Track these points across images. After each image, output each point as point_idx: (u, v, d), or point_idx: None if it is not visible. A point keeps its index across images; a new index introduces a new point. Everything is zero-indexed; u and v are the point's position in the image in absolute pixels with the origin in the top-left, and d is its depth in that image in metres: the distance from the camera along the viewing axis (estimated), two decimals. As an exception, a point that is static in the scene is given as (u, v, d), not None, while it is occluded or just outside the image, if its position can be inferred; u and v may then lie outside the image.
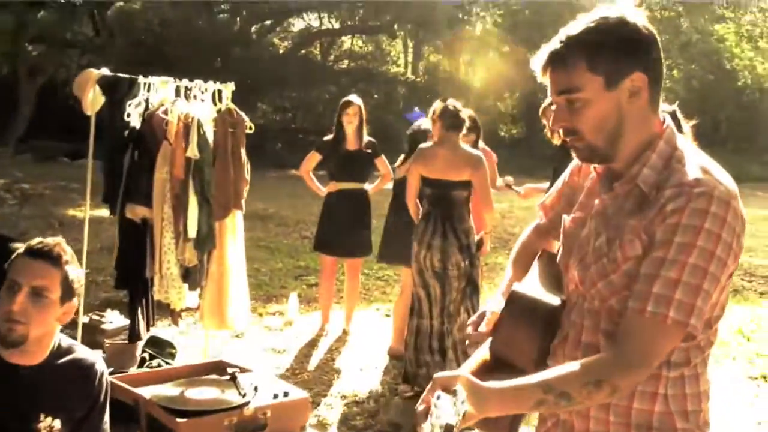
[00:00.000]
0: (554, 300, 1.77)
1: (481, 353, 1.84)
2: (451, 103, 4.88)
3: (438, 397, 1.53)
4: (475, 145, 6.21)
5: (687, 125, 1.91)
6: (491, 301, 1.92)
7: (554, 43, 1.63)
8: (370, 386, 5.10)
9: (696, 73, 22.38)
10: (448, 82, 23.26)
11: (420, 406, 1.58)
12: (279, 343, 5.87)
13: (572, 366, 1.56)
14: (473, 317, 1.96)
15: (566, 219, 1.81)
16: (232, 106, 4.76)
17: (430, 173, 4.79)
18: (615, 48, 1.58)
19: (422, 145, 4.96)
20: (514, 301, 1.81)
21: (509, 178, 5.90)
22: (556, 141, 6.10)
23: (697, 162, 1.59)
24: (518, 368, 1.68)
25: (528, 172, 17.98)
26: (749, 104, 22.33)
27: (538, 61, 1.65)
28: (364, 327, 6.35)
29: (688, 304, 1.51)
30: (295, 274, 8.07)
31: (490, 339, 1.82)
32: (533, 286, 1.85)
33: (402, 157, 5.76)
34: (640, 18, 1.63)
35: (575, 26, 1.62)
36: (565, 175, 1.92)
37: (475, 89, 23.96)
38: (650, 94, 1.62)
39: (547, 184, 6.14)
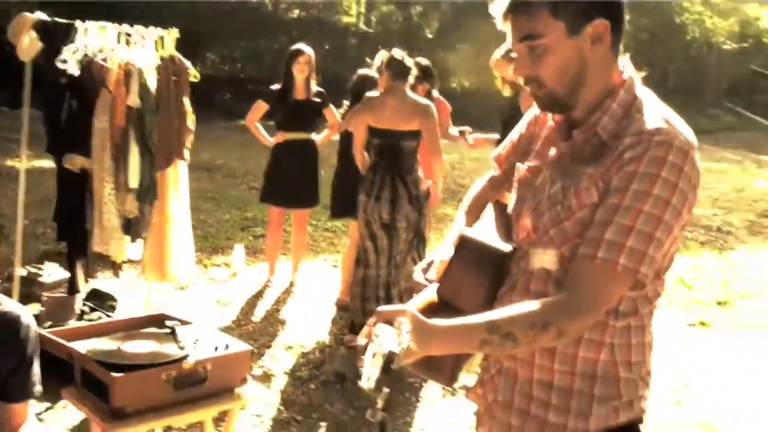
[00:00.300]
0: (504, 246, 1.76)
1: (428, 294, 1.82)
2: (398, 51, 4.81)
3: (380, 329, 1.52)
4: (429, 95, 6.17)
5: (637, 76, 1.89)
6: (440, 250, 1.90)
7: None
8: (315, 337, 5.09)
9: (646, 27, 22.53)
10: (401, 34, 23.03)
11: (362, 339, 1.56)
12: (224, 294, 5.82)
13: (520, 307, 1.55)
14: (421, 264, 1.94)
15: (521, 168, 1.79)
16: (176, 53, 4.62)
17: (378, 123, 4.71)
18: None
19: (369, 94, 4.88)
20: (464, 245, 1.78)
21: (467, 128, 5.88)
22: (507, 92, 6.08)
23: (657, 111, 1.58)
24: (463, 313, 1.65)
25: (479, 124, 17.94)
26: (697, 58, 22.56)
27: (498, 6, 1.62)
28: (311, 278, 6.33)
29: (640, 251, 1.49)
30: (241, 225, 7.99)
31: (439, 283, 1.80)
32: (483, 233, 1.83)
33: (346, 106, 5.68)
34: None
35: None
36: (521, 126, 1.90)
37: (428, 41, 23.76)
38: (612, 40, 1.60)
39: (496, 136, 6.14)
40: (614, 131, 1.57)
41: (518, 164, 1.80)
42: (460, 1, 23.85)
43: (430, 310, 1.70)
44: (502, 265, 1.73)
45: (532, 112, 1.86)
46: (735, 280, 6.71)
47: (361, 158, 4.88)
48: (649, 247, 1.49)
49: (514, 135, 1.93)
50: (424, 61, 6.20)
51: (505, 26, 1.62)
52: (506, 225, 1.84)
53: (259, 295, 5.87)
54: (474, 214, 1.99)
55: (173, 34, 4.66)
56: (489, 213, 1.93)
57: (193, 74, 4.70)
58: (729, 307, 5.98)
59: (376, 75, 4.98)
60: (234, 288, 6.01)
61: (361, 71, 5.68)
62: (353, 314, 4.88)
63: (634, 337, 1.64)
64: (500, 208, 1.90)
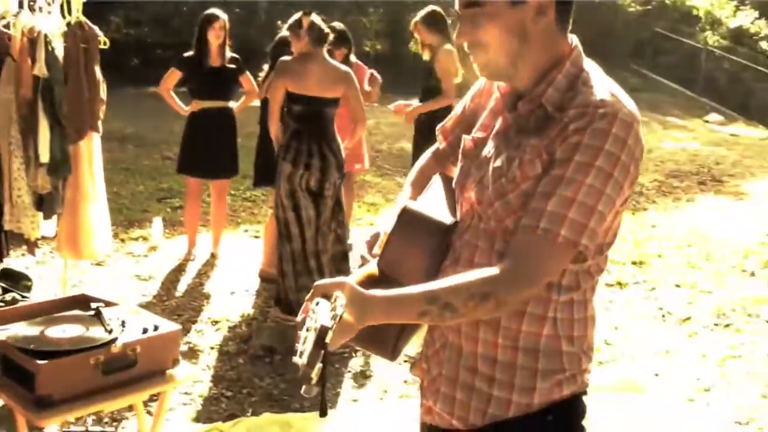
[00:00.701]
0: (447, 218, 1.74)
1: (369, 267, 1.80)
2: (316, 16, 4.70)
3: (317, 303, 1.49)
4: (347, 59, 6.10)
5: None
6: (384, 221, 1.87)
7: None
8: (241, 310, 5.02)
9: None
10: (312, -4, 22.67)
11: (300, 315, 1.53)
12: (144, 269, 5.67)
13: (459, 278, 1.53)
14: (367, 238, 1.91)
15: (466, 139, 1.77)
16: (83, 18, 4.40)
17: (299, 89, 4.58)
18: None
19: (285, 59, 4.74)
20: (405, 217, 1.76)
21: (374, 74, 5.89)
22: (426, 56, 6.07)
23: (602, 84, 1.57)
24: (404, 286, 1.63)
25: (393, 89, 18.00)
26: (603, 21, 23.06)
27: None
28: (233, 250, 6.22)
29: (581, 223, 1.49)
30: (157, 196, 7.78)
31: (379, 255, 1.78)
32: (426, 205, 1.81)
33: (265, 72, 5.56)
34: None
35: None
36: (465, 98, 1.88)
37: (340, 4, 23.50)
38: (558, 13, 1.58)
39: (416, 101, 6.13)
40: (559, 103, 1.56)
41: (464, 136, 1.79)
42: (372, -37, 23.63)
43: (370, 283, 1.67)
44: (444, 238, 1.72)
45: (478, 83, 1.84)
46: (649, 240, 6.93)
47: (276, 128, 4.73)
48: (590, 219, 1.49)
49: (459, 107, 1.91)
50: (339, 26, 6.13)
51: None
52: (451, 198, 1.82)
53: (180, 269, 5.74)
54: (419, 185, 1.97)
55: (80, -1, 4.44)
56: (435, 185, 1.91)
57: (103, 41, 4.50)
58: (644, 267, 6.17)
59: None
60: (153, 262, 5.86)
61: (283, 34, 5.54)
62: (288, 292, 4.72)
63: (577, 312, 1.64)
64: (446, 180, 1.88)
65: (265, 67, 5.62)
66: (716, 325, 5.00)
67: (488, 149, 1.67)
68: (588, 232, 1.49)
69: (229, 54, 5.81)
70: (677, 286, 5.73)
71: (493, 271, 1.53)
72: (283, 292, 4.73)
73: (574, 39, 1.65)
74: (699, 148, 12.54)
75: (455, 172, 1.80)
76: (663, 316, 5.15)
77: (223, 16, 5.77)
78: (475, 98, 1.84)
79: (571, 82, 1.58)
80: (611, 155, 1.48)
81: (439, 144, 1.97)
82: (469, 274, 1.54)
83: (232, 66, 5.79)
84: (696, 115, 17.47)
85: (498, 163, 1.61)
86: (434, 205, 1.84)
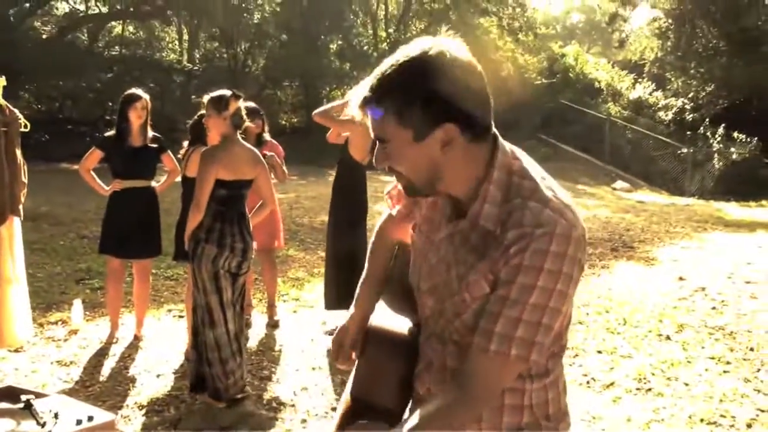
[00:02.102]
0: (409, 324, 1.80)
1: (345, 398, 1.86)
2: (242, 104, 4.71)
3: None
4: (260, 138, 6.18)
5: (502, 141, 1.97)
6: (339, 315, 1.93)
7: (369, 84, 1.59)
8: (169, 393, 4.90)
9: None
10: (226, 71, 22.85)
11: None
12: (65, 354, 5.50)
13: (423, 417, 1.59)
14: (335, 333, 1.96)
15: (412, 232, 1.83)
16: (4, 102, 4.37)
17: (228, 175, 4.58)
18: (425, 100, 1.54)
19: (210, 148, 4.73)
20: (372, 339, 1.82)
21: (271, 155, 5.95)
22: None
23: (534, 190, 1.60)
24: (380, 408, 1.72)
25: (309, 161, 18.19)
26: (512, 93, 23.92)
27: (356, 98, 1.62)
28: (157, 331, 6.10)
29: (529, 341, 1.56)
30: (76, 277, 7.59)
31: (350, 383, 1.82)
32: (387, 315, 1.85)
33: (184, 149, 5.57)
34: (459, 50, 1.60)
35: (391, 64, 1.57)
36: None
37: (254, 78, 23.72)
38: (467, 133, 1.58)
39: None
40: (498, 219, 1.60)
41: (411, 227, 1.86)
42: (285, 38, 24.01)
43: (350, 416, 1.75)
44: (412, 348, 1.78)
45: None
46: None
47: (200, 217, 4.57)
48: (536, 335, 1.56)
49: None
50: (251, 105, 6.24)
51: (363, 117, 1.63)
52: (408, 290, 1.87)
53: (103, 353, 5.58)
54: (379, 255, 2.04)
55: (1, 82, 4.41)
56: (387, 287, 1.96)
57: (24, 123, 4.46)
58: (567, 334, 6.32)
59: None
60: (75, 346, 5.69)
61: (200, 114, 5.57)
62: (215, 380, 4.60)
63: (551, 392, 1.74)
64: (402, 266, 1.93)
65: (185, 143, 5.64)
66: (638, 389, 5.15)
67: (438, 256, 1.72)
68: (536, 347, 1.58)
69: (150, 133, 5.80)
70: (599, 351, 5.88)
71: (451, 400, 1.61)
72: (210, 380, 4.61)
73: (496, 135, 1.66)
74: (609, 215, 13.00)
75: (410, 263, 1.84)
76: (588, 382, 5.27)
77: (145, 95, 5.78)
78: None
79: (504, 191, 1.62)
80: (552, 273, 1.54)
81: (390, 209, 2.02)
82: (428, 411, 1.60)
83: (154, 145, 5.79)
84: (604, 182, 18.14)
85: (450, 277, 1.68)
86: (394, 308, 1.89)
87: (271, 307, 6.50)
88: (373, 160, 1.66)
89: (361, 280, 2.07)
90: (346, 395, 1.84)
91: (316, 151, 18.18)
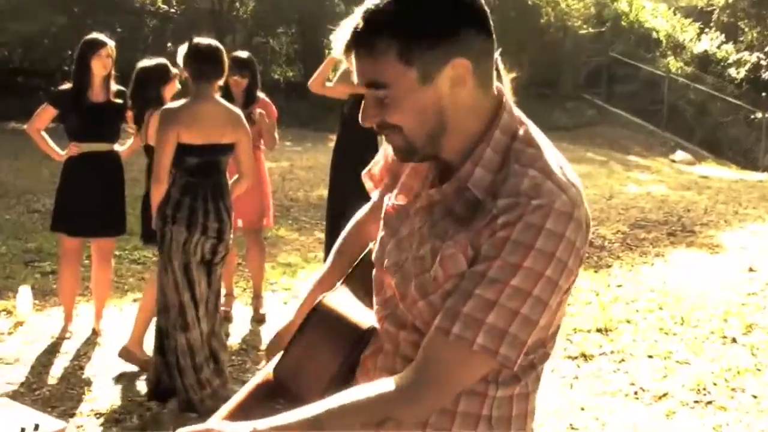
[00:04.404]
0: (367, 320, 1.77)
1: (265, 372, 1.85)
2: (203, 42, 4.60)
3: None
4: (251, 94, 6.16)
5: (507, 78, 1.94)
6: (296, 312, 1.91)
7: (357, 19, 1.56)
8: (131, 398, 4.92)
9: (496, 9, 23.49)
10: (209, 15, 22.76)
11: None
12: (9, 350, 5.53)
13: (352, 398, 1.56)
14: (281, 328, 1.94)
15: (387, 202, 1.82)
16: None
17: (196, 138, 4.51)
18: (433, 31, 1.54)
19: (172, 105, 4.66)
20: (317, 316, 1.79)
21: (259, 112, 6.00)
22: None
23: (538, 159, 1.60)
24: (298, 397, 1.70)
25: (307, 123, 18.17)
26: (552, 45, 23.77)
27: (339, 39, 1.59)
28: (119, 324, 6.10)
29: (501, 330, 1.52)
30: (24, 259, 7.63)
31: (278, 357, 1.80)
32: (346, 299, 1.83)
33: (130, 107, 5.49)
34: None
35: None
36: None
37: (243, 24, 23.65)
38: (478, 76, 1.60)
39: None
40: (490, 186, 1.59)
41: (385, 198, 1.85)
42: (280, -25, 23.87)
43: (263, 396, 1.77)
44: (363, 340, 1.76)
45: None
46: (615, 303, 7.08)
47: (163, 190, 4.55)
48: (511, 324, 1.52)
49: (381, 154, 1.98)
50: (243, 54, 6.21)
51: (347, 61, 1.61)
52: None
53: (54, 350, 5.60)
54: (346, 253, 2.04)
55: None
56: (358, 267, 1.94)
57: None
58: (612, 334, 6.30)
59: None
60: (21, 341, 5.72)
61: (147, 64, 5.49)
62: (188, 391, 4.60)
63: (516, 407, 1.70)
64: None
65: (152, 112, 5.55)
66: (696, 402, 5.13)
67: (410, 227, 1.71)
68: (508, 339, 1.53)
69: (114, 87, 5.77)
70: (650, 356, 5.85)
71: (391, 385, 1.57)
72: (182, 391, 4.60)
73: (504, 93, 1.68)
74: (666, 192, 12.97)
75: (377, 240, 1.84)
76: (635, 392, 5.25)
77: (110, 42, 5.73)
78: None
79: (502, 156, 1.61)
80: (543, 254, 1.52)
81: (370, 192, 2.04)
82: (363, 391, 1.58)
83: (119, 101, 5.75)
84: (661, 154, 18.10)
85: (422, 252, 1.65)
86: (358, 295, 1.87)
87: (257, 299, 6.52)
88: (360, 116, 1.63)
89: (315, 279, 2.09)
90: (267, 370, 1.82)
91: (315, 111, 18.17)
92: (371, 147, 6.32)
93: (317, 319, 1.78)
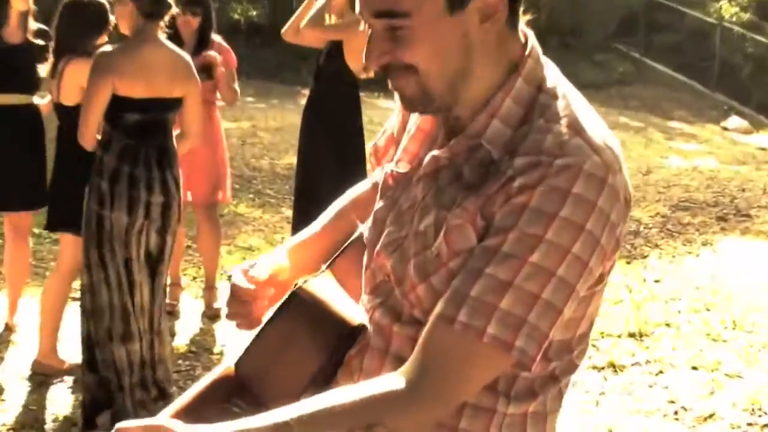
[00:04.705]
0: (360, 317, 1.77)
1: (225, 366, 1.84)
2: None
3: None
4: (204, 37, 6.13)
5: (522, 21, 1.95)
6: (272, 254, 1.94)
7: None
8: (54, 410, 4.92)
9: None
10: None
11: None
12: None
13: (332, 401, 1.54)
14: (241, 265, 1.94)
15: (386, 170, 1.82)
16: None
17: (139, 90, 4.47)
18: None
19: (106, 49, 4.60)
20: (295, 304, 1.79)
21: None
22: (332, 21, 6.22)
23: (568, 114, 1.60)
24: (261, 400, 1.70)
25: (273, 74, 18.11)
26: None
27: None
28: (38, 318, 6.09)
29: (517, 317, 1.50)
30: None
31: (242, 352, 1.80)
32: (332, 288, 1.84)
33: (51, 57, 5.41)
34: None
35: None
36: (398, 107, 1.91)
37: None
38: (512, 12, 1.62)
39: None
40: (508, 144, 1.59)
41: (385, 166, 1.86)
42: None
43: (222, 394, 1.77)
44: (350, 338, 1.76)
45: None
46: (651, 301, 7.10)
47: (93, 145, 4.54)
48: (529, 311, 1.51)
49: (393, 118, 1.96)
50: None
51: None
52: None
53: (-43, 349, 5.60)
54: (338, 225, 2.05)
55: None
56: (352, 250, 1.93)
57: None
58: (647, 340, 6.31)
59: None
60: None
61: None
62: (127, 414, 4.50)
63: (531, 429, 1.69)
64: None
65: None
66: (750, 424, 5.15)
67: (411, 198, 1.71)
68: (526, 329, 1.51)
69: (34, 25, 5.76)
70: (694, 368, 5.87)
71: (382, 386, 1.56)
72: (119, 414, 4.55)
73: (529, 35, 1.68)
74: (717, 167, 12.99)
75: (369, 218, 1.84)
76: (675, 411, 5.27)
77: (29, -35, 5.70)
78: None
79: (525, 109, 1.61)
80: (569, 224, 1.51)
81: (372, 170, 2.04)
82: (346, 391, 1.56)
83: (39, 42, 5.72)
84: (710, 119, 18.13)
85: (423, 225, 1.64)
86: (345, 287, 1.87)
87: (209, 290, 6.52)
88: (365, 55, 1.63)
89: (309, 230, 2.09)
90: (229, 363, 1.82)
91: (283, 60, 18.10)
92: (351, 105, 6.36)
93: (295, 307, 1.76)
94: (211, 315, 6.36)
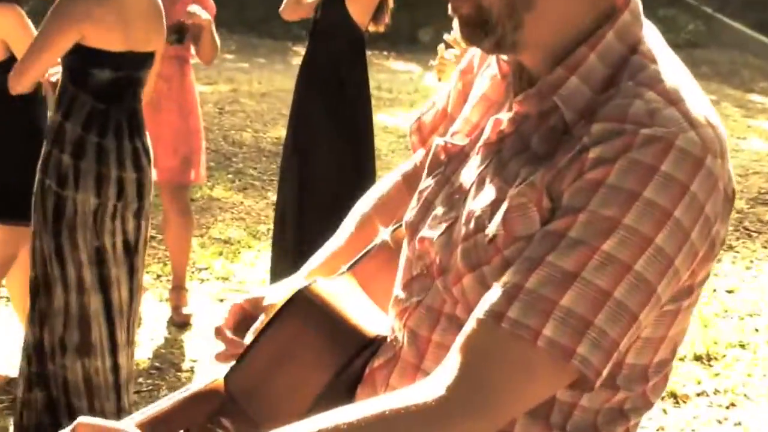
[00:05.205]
0: (381, 327, 1.79)
1: (210, 379, 1.85)
2: None
3: None
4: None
5: None
6: (280, 285, 1.92)
7: None
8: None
9: None
10: None
11: None
12: None
13: (349, 417, 1.50)
14: (238, 302, 1.95)
15: (438, 143, 1.82)
16: None
17: (111, 41, 4.46)
18: None
19: None
20: (299, 307, 1.80)
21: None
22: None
23: (665, 80, 1.58)
24: (255, 419, 1.74)
25: (257, 26, 18.08)
26: None
27: None
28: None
29: (581, 318, 1.46)
30: None
31: (234, 363, 1.82)
32: (350, 292, 1.86)
33: None
34: None
35: None
36: (453, 78, 1.94)
37: None
38: None
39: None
40: (586, 107, 1.58)
41: (435, 139, 1.85)
42: None
43: (194, 409, 1.78)
44: (364, 354, 1.77)
45: (469, 52, 1.91)
46: (721, 318, 7.09)
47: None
48: (597, 312, 1.47)
49: (441, 93, 1.99)
50: None
51: None
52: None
53: None
54: (367, 230, 2.07)
55: None
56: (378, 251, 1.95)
57: None
58: (717, 365, 6.32)
59: None
60: None
61: None
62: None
63: None
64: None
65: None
66: None
67: (467, 174, 1.72)
68: (592, 333, 1.46)
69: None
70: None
71: (411, 397, 1.50)
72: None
73: None
74: (807, 152, 12.95)
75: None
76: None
77: None
78: (465, 74, 1.92)
79: (612, 71, 1.60)
80: (653, 209, 1.47)
81: (413, 152, 2.06)
82: (366, 406, 1.53)
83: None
84: (801, 92, 18.00)
85: (478, 205, 1.64)
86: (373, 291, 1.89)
87: (178, 291, 6.57)
88: None
89: (329, 247, 2.10)
90: (217, 375, 1.83)
91: (271, 9, 18.07)
92: (356, 66, 6.34)
93: (300, 310, 1.78)
94: (179, 322, 6.40)
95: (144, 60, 4.62)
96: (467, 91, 1.88)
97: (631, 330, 1.49)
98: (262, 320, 1.91)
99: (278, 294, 1.94)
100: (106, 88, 4.54)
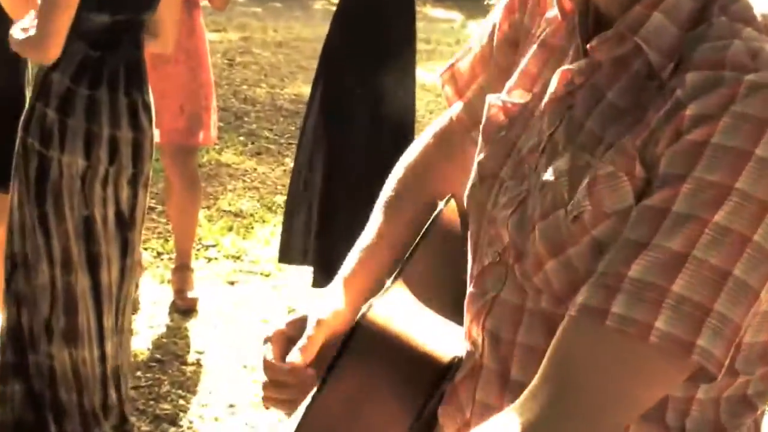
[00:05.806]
0: (450, 347, 1.78)
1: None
2: None
3: None
4: None
5: None
6: (320, 300, 1.94)
7: None
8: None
9: None
10: None
11: None
12: None
13: None
14: (278, 327, 1.94)
15: (493, 104, 1.81)
16: None
17: None
18: None
19: None
20: (362, 342, 1.79)
21: None
22: None
23: (764, 13, 1.55)
24: None
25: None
26: None
27: None
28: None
29: (697, 305, 1.42)
30: None
31: (299, 419, 1.80)
32: (406, 306, 1.84)
33: None
34: None
35: None
36: (494, 16, 1.93)
37: None
38: None
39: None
40: (673, 48, 1.55)
41: (488, 98, 1.84)
42: None
43: None
44: (439, 382, 1.77)
45: None
46: None
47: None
48: (716, 295, 1.43)
49: (481, 34, 1.97)
50: None
51: None
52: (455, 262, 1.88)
53: None
54: (403, 212, 2.07)
55: None
56: (433, 237, 1.95)
57: None
58: None
59: None
60: None
61: None
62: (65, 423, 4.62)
63: None
64: (451, 230, 1.94)
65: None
66: None
67: (534, 137, 1.71)
68: (713, 320, 1.43)
69: None
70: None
71: (511, 421, 1.50)
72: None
73: None
74: None
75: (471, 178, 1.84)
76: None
77: None
78: (511, 13, 1.90)
79: (701, 5, 1.57)
80: None
81: (448, 106, 2.06)
82: None
83: None
84: None
85: (552, 174, 1.62)
86: (423, 298, 1.89)
87: (182, 271, 6.58)
88: None
89: (360, 245, 2.09)
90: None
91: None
92: (404, 14, 6.31)
93: (362, 346, 1.77)
94: (183, 308, 6.42)
95: (146, 2, 4.60)
96: (516, 35, 1.87)
97: (752, 309, 1.46)
98: (310, 336, 1.91)
99: (321, 311, 1.95)
100: (101, 33, 4.52)
